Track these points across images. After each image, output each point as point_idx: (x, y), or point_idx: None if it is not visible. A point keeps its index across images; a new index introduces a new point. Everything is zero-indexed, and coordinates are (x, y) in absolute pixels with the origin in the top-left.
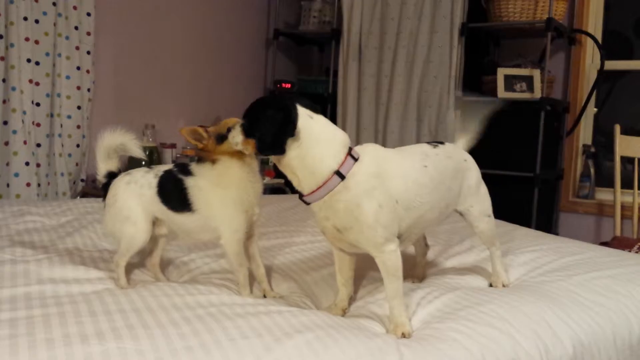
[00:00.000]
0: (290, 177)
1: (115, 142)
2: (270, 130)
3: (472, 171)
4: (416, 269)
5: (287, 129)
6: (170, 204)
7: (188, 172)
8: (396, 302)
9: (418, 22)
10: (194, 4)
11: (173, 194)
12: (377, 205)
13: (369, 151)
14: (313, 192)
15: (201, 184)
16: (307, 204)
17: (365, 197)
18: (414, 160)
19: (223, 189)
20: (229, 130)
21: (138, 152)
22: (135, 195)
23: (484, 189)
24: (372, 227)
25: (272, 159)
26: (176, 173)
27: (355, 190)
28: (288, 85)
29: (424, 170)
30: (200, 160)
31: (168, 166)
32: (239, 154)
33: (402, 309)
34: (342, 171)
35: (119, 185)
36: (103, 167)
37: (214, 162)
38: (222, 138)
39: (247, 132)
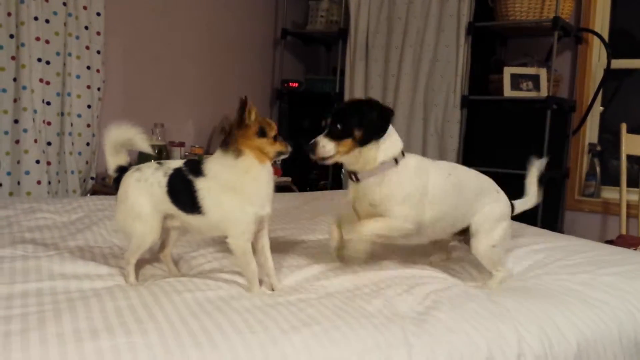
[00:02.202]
0: (354, 160)
1: (122, 137)
2: (380, 123)
3: (499, 204)
4: (438, 254)
5: (388, 123)
6: (180, 204)
7: (198, 172)
8: (376, 229)
9: (425, 21)
10: (203, 4)
11: (183, 195)
12: (414, 188)
13: (413, 155)
14: (370, 172)
15: (211, 185)
16: (357, 181)
17: (407, 181)
18: (443, 167)
19: (234, 191)
20: (275, 137)
21: (146, 147)
22: (146, 193)
23: (504, 225)
24: (402, 203)
25: (345, 146)
26: (186, 173)
27: (402, 174)
28: (295, 85)
29: (449, 177)
30: (226, 145)
31: (178, 162)
32: (264, 154)
33: (372, 231)
34: (398, 159)
35: (130, 182)
36: (112, 161)
37: (239, 153)
38: (264, 133)
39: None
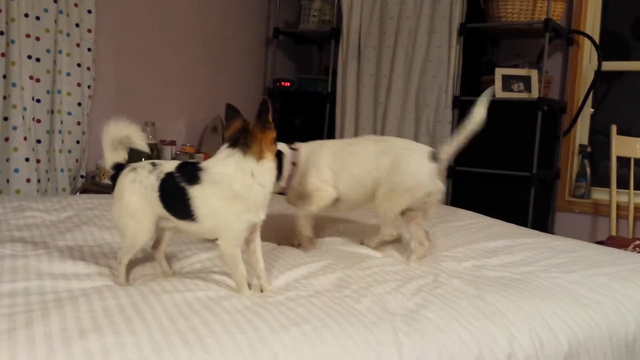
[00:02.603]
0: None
1: (121, 133)
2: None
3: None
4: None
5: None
6: (172, 210)
7: (193, 179)
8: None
9: (417, 22)
10: (195, 3)
11: (175, 201)
12: (315, 172)
13: (304, 151)
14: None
15: (208, 193)
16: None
17: (307, 170)
18: (342, 143)
19: (235, 198)
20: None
21: (143, 146)
22: (140, 195)
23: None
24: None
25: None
26: (178, 179)
27: (303, 168)
28: (287, 84)
29: (349, 147)
30: (243, 146)
31: (171, 165)
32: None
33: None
34: (294, 161)
35: (125, 182)
36: (110, 158)
37: (261, 157)
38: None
39: None
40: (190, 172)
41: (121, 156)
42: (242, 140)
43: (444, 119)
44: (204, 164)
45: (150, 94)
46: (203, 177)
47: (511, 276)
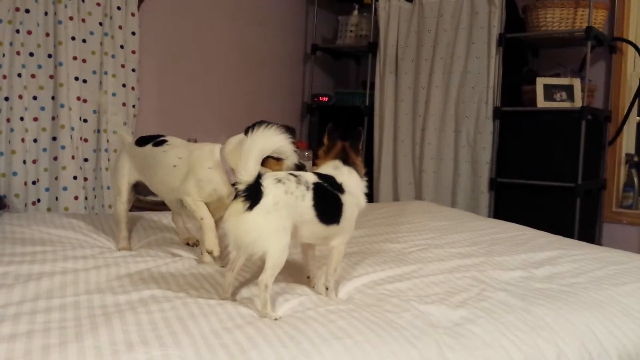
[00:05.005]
0: None
1: (273, 145)
2: None
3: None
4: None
5: None
6: (322, 216)
7: (339, 188)
8: None
9: (455, 33)
10: (234, 22)
11: (329, 208)
12: None
13: None
14: None
15: (348, 199)
16: None
17: None
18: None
19: (358, 205)
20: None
21: (294, 159)
22: (292, 206)
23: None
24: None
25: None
26: (329, 188)
27: None
28: (325, 99)
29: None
30: (354, 165)
31: (306, 174)
32: None
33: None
34: None
35: (278, 194)
36: (253, 167)
37: (355, 163)
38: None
39: None
40: (332, 182)
41: (259, 166)
42: (350, 161)
43: (484, 130)
44: (338, 178)
45: (192, 111)
46: (344, 188)
47: (559, 288)
